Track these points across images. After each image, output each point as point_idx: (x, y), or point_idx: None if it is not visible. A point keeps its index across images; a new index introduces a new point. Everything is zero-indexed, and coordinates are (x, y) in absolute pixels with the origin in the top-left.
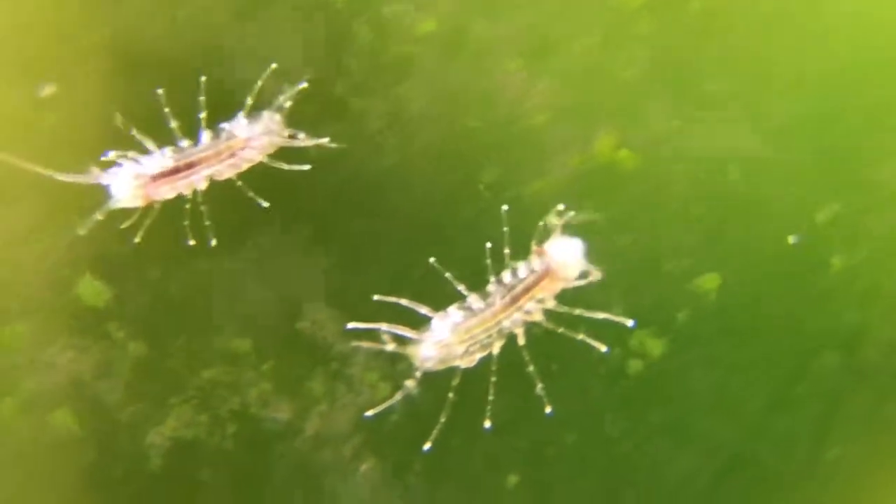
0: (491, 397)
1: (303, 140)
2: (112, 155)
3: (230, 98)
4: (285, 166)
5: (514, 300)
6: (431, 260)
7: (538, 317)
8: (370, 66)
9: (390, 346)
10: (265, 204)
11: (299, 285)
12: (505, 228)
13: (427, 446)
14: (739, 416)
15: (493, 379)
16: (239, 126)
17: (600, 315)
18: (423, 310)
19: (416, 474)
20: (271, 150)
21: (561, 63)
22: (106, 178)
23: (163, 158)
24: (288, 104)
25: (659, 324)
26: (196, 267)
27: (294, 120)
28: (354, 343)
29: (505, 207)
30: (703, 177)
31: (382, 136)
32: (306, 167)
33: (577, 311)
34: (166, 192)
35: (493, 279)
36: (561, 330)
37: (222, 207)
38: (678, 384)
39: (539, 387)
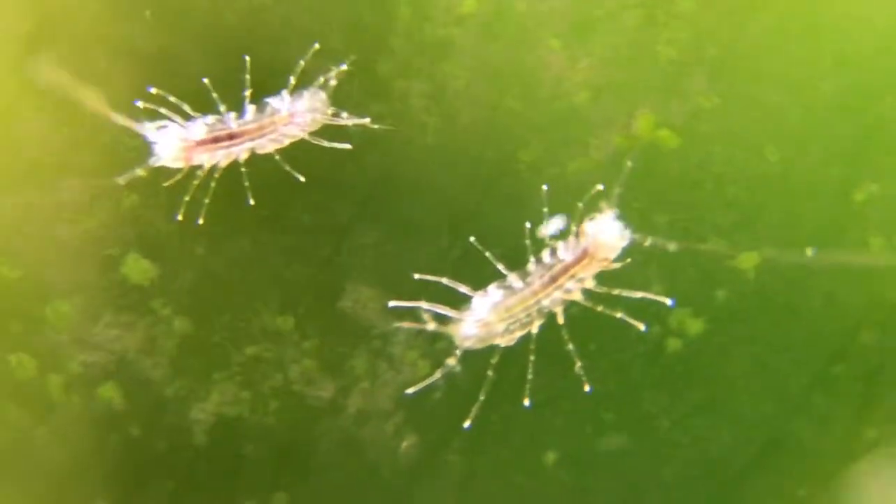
0: (530, 375)
1: (346, 119)
2: (158, 107)
3: (275, 77)
4: (326, 143)
5: (554, 279)
6: (472, 239)
7: (577, 296)
8: (412, 46)
9: (431, 325)
10: (302, 179)
11: (341, 264)
12: (545, 208)
13: (467, 424)
14: (778, 395)
15: (532, 357)
16: (283, 101)
17: (639, 294)
18: (464, 288)
19: (456, 451)
20: (314, 128)
21: (602, 41)
22: (153, 135)
23: (207, 126)
24: (333, 83)
25: (698, 303)
26: (240, 245)
27: (338, 100)
28: (396, 322)
29: (545, 187)
30: (741, 156)
31: (424, 115)
32: (348, 146)
33: (616, 291)
34: (206, 159)
35: (532, 258)
36: (600, 309)
37: (265, 185)
38: (717, 363)
39: (578, 365)
